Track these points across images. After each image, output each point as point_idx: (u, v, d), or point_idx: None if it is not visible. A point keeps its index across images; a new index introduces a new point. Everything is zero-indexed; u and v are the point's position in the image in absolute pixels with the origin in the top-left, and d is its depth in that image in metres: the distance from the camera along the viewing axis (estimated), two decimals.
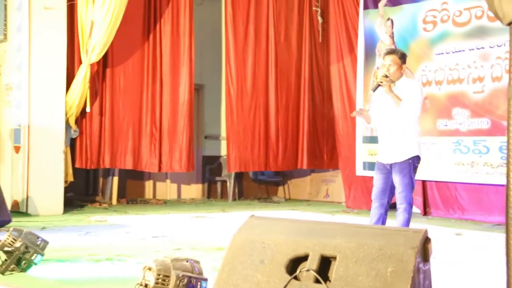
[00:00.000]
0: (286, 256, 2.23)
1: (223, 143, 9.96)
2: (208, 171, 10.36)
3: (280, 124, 9.53)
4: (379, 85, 4.61)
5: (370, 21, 8.71)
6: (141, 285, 2.55)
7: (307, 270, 2.16)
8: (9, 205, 7.10)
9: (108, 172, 8.90)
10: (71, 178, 7.70)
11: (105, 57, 8.00)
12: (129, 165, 8.37)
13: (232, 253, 2.32)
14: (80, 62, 7.65)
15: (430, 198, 8.03)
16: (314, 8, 9.82)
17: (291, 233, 2.30)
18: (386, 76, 4.60)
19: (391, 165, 4.66)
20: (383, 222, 4.74)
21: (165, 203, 9.26)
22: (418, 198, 8.03)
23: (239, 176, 10.27)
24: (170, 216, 7.50)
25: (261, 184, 10.77)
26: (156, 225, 6.46)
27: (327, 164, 9.93)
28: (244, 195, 10.42)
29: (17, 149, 7.29)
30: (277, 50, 9.54)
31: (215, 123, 10.36)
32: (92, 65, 7.73)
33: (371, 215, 4.81)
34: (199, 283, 2.58)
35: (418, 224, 6.80)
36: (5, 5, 7.79)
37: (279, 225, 2.38)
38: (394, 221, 4.68)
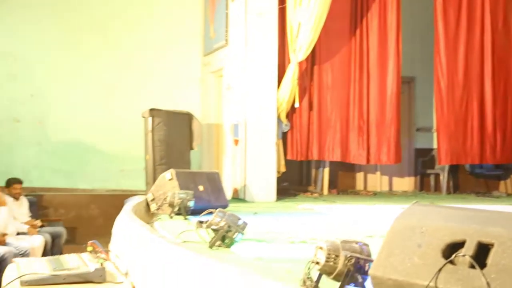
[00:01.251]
0: (443, 242, 2.28)
1: (436, 136, 9.74)
2: (421, 163, 10.22)
3: (498, 115, 8.98)
4: None
5: None
6: (313, 262, 2.79)
7: (463, 256, 2.20)
8: (230, 192, 7.96)
9: (319, 164, 9.35)
10: (283, 169, 8.30)
11: (313, 54, 8.45)
12: (337, 157, 8.72)
13: (392, 237, 2.45)
14: (289, 61, 8.20)
15: None
16: None
17: (450, 220, 2.34)
18: None
19: None
20: None
21: (375, 195, 9.40)
22: None
23: (454, 169, 9.93)
24: (376, 207, 7.62)
25: (479, 178, 10.26)
26: (359, 215, 6.65)
27: None
28: (459, 189, 10.05)
29: (236, 142, 8.12)
30: (494, 37, 8.99)
31: (427, 115, 10.15)
32: (300, 63, 8.22)
33: None
34: (367, 264, 2.72)
35: None
36: (226, 14, 8.69)
37: (439, 212, 2.44)
38: None
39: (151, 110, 7.81)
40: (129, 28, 9.82)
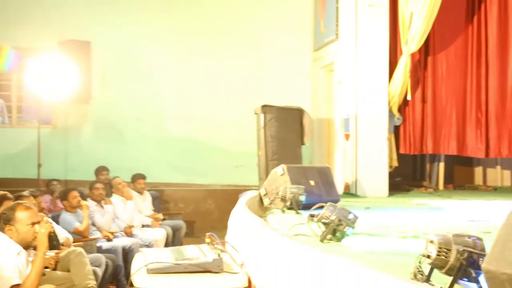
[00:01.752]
0: None
1: None
2: None
3: None
4: None
5: None
6: (424, 255, 2.78)
7: None
8: (341, 187, 7.97)
9: (434, 158, 9.08)
10: (395, 163, 8.16)
11: (426, 45, 8.21)
12: (452, 151, 8.41)
13: (506, 230, 2.38)
14: (401, 53, 8.03)
15: None
16: None
17: None
18: None
19: None
20: None
21: (495, 190, 8.96)
22: None
23: None
24: (496, 202, 7.27)
25: None
26: (477, 210, 6.40)
27: None
28: None
29: (347, 136, 8.10)
30: None
31: None
32: (413, 55, 8.03)
33: None
34: (480, 259, 2.67)
35: None
36: (337, 8, 8.67)
37: None
38: None
39: (263, 106, 7.99)
40: (241, 27, 10.10)
